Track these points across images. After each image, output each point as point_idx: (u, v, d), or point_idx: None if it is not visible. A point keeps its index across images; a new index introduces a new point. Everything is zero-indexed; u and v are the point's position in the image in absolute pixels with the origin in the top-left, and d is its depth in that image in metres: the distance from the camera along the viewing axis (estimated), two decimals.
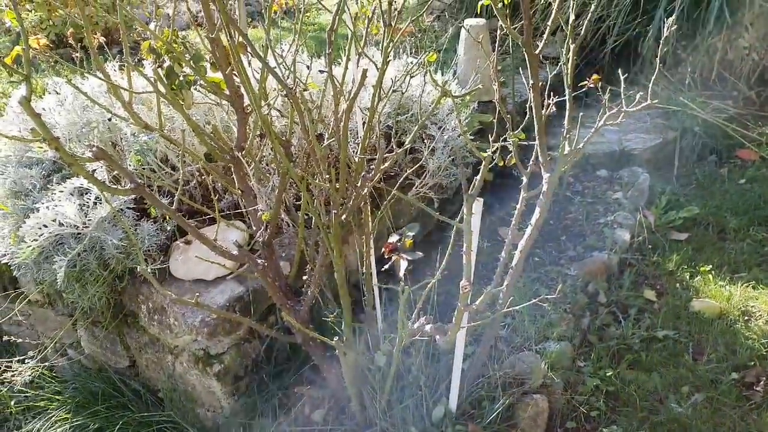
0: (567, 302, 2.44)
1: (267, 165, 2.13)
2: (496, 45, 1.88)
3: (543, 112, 1.78)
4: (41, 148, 2.07)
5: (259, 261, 1.74)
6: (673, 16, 1.72)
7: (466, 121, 2.48)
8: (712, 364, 2.24)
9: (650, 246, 2.86)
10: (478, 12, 2.88)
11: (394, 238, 1.38)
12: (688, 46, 3.79)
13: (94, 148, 1.40)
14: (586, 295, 2.50)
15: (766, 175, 3.30)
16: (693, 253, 2.83)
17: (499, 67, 3.55)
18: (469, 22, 3.01)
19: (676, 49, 3.84)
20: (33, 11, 4.33)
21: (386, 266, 1.46)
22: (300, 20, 1.60)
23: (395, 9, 1.43)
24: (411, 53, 2.89)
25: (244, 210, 1.99)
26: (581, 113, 2.06)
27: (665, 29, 1.76)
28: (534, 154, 1.85)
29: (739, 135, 3.52)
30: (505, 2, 1.61)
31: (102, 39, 2.48)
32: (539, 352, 2.18)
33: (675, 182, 3.38)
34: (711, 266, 2.72)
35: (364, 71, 1.27)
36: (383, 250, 1.47)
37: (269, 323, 2.08)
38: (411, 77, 1.50)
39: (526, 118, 1.80)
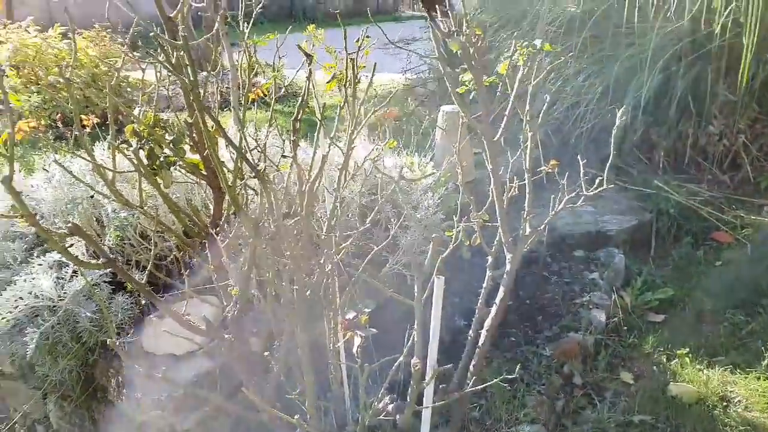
0: (541, 383, 2.43)
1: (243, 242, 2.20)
2: (460, 131, 2.00)
3: (504, 195, 1.87)
4: (24, 222, 2.15)
5: (226, 336, 1.77)
6: (624, 108, 1.85)
7: (440, 200, 2.57)
8: None
9: (626, 327, 2.88)
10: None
11: (350, 315, 1.43)
12: (660, 131, 3.96)
13: (69, 224, 1.47)
14: (561, 377, 2.49)
15: (742, 257, 3.36)
16: (669, 335, 2.84)
17: (477, 151, 3.70)
18: (445, 108, 3.17)
19: (649, 134, 4.01)
20: (37, 93, 4.55)
21: (339, 343, 1.49)
22: (273, 108, 1.72)
23: (359, 101, 1.55)
24: (391, 136, 3.02)
25: (216, 285, 2.04)
26: (553, 196, 2.15)
27: (618, 119, 1.89)
28: (498, 234, 1.92)
29: (714, 218, 3.61)
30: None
31: (95, 120, 2.61)
32: None
33: (651, 263, 3.43)
34: (688, 349, 2.72)
35: (324, 156, 1.36)
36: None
37: (239, 399, 2.07)
38: (374, 162, 1.59)
39: (489, 201, 1.89)
